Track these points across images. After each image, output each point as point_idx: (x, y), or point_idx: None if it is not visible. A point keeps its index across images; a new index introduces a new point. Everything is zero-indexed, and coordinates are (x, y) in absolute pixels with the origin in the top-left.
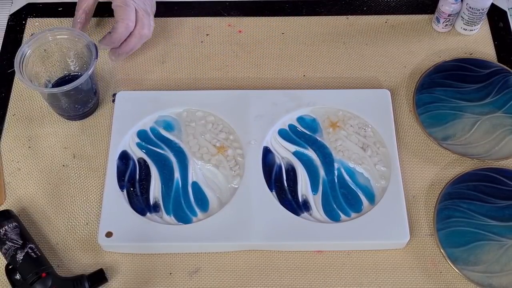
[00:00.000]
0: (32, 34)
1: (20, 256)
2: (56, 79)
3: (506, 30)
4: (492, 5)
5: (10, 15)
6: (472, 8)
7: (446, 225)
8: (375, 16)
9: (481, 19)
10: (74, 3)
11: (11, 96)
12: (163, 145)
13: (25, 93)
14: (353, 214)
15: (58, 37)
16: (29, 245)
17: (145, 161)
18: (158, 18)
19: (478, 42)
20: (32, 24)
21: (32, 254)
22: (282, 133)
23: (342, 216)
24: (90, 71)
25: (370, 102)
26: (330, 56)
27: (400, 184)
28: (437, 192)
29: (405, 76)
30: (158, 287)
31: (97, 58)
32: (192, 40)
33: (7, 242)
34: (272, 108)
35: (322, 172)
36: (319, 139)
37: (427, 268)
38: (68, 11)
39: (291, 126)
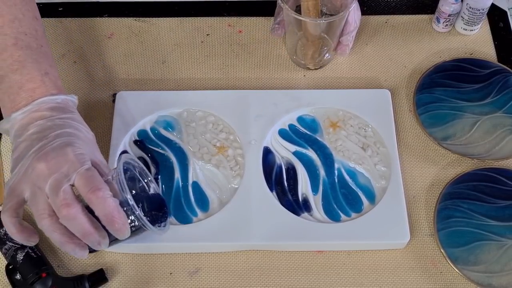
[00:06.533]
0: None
1: (20, 256)
2: None
3: (506, 30)
4: (492, 5)
5: None
6: (472, 8)
7: (446, 225)
8: (375, 16)
9: (481, 19)
10: (74, 3)
11: None
12: (163, 145)
13: None
14: (353, 214)
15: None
16: None
17: (145, 161)
18: (159, 18)
19: (478, 42)
20: None
21: (32, 254)
22: (282, 133)
23: (343, 216)
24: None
25: (370, 102)
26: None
27: (400, 184)
28: (437, 192)
29: (405, 76)
30: (158, 287)
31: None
32: (192, 40)
33: (7, 242)
34: (272, 108)
35: (322, 172)
36: (319, 139)
37: (427, 268)
38: (68, 11)
39: (291, 126)
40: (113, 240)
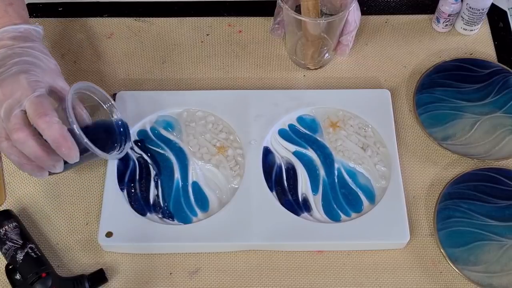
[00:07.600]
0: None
1: (20, 256)
2: None
3: (506, 30)
4: (492, 5)
5: None
6: (472, 8)
7: (446, 225)
8: (375, 16)
9: (481, 19)
10: (74, 3)
11: None
12: (163, 145)
13: None
14: (353, 214)
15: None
16: (29, 245)
17: (145, 161)
18: (158, 18)
19: (478, 42)
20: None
21: (32, 254)
22: (282, 133)
23: (342, 216)
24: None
25: (370, 102)
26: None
27: (400, 184)
28: (437, 192)
29: (405, 76)
30: (158, 287)
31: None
32: (192, 40)
33: (7, 242)
34: (272, 108)
35: (322, 172)
36: (319, 139)
37: (427, 268)
38: (68, 11)
39: (291, 126)
40: (67, 163)
